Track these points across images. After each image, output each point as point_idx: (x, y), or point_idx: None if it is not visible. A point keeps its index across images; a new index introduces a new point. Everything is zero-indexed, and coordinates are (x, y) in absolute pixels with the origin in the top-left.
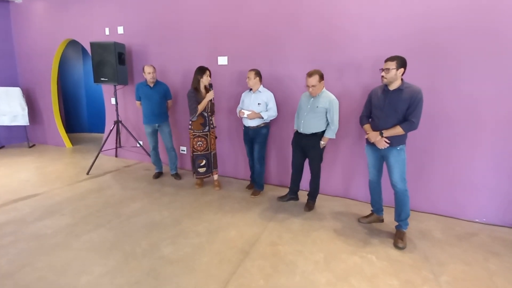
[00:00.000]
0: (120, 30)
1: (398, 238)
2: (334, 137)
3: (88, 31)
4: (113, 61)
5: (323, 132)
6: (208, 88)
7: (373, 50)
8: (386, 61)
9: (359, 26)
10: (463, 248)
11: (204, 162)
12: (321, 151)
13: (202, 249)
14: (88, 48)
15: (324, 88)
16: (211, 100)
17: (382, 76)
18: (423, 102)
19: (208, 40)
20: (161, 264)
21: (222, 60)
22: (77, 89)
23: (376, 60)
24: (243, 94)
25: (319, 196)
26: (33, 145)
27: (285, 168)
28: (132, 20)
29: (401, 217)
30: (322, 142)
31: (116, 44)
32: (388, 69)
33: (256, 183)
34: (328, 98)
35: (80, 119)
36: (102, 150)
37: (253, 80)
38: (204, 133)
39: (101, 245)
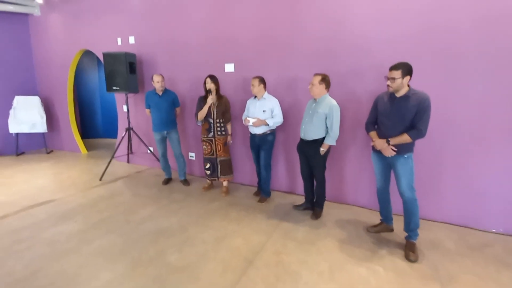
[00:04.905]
0: (132, 40)
1: (409, 250)
2: (334, 143)
3: (102, 41)
4: (124, 71)
5: (324, 139)
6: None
7: (381, 54)
8: (390, 70)
9: (365, 30)
10: (475, 259)
11: (208, 165)
12: (322, 158)
13: (207, 257)
14: (101, 57)
15: (328, 94)
16: (220, 106)
17: (388, 85)
18: (431, 109)
19: (215, 48)
20: (167, 271)
21: (229, 67)
22: (92, 96)
23: (383, 64)
24: (248, 102)
25: (326, 203)
26: (51, 151)
27: (292, 174)
28: (142, 30)
29: (410, 227)
30: (321, 149)
31: (127, 54)
32: (393, 79)
33: (263, 190)
34: (328, 104)
35: (94, 125)
36: (115, 156)
37: (257, 88)
38: (208, 138)
39: (110, 252)
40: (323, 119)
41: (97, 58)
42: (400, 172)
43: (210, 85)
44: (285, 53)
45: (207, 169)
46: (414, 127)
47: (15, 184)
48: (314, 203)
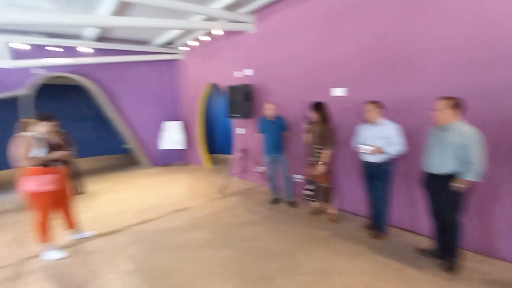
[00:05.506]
0: (247, 72)
1: None
2: (477, 179)
3: (224, 74)
4: (242, 100)
5: (458, 173)
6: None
7: None
8: None
9: None
10: None
11: (308, 186)
12: (457, 197)
13: None
14: (224, 89)
15: (459, 120)
16: (321, 133)
17: None
18: None
19: (322, 73)
20: None
21: (337, 91)
22: (213, 120)
23: None
24: (360, 127)
25: (469, 255)
26: (186, 164)
27: (413, 210)
28: (256, 63)
29: None
30: (457, 185)
31: (245, 86)
32: None
33: (377, 225)
34: (459, 132)
35: (214, 143)
36: (231, 173)
37: (373, 112)
38: (310, 162)
39: (225, 266)
40: (454, 149)
41: (218, 88)
42: None
43: (310, 112)
44: (406, 70)
45: (307, 190)
46: None
47: (164, 191)
48: (445, 250)
